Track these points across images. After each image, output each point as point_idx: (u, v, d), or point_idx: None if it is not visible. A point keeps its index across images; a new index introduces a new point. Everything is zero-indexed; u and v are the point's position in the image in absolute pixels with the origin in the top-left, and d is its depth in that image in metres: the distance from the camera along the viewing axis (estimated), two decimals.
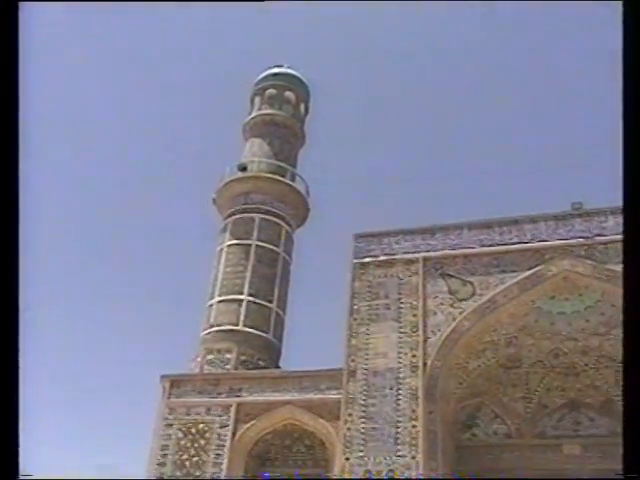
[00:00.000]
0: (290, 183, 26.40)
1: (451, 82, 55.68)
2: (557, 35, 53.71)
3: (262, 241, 24.70)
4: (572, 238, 19.33)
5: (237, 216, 25.38)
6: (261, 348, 22.88)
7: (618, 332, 20.06)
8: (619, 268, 18.47)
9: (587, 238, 19.18)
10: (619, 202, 20.21)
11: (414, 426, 17.42)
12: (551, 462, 21.31)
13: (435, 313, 19.14)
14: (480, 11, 44.65)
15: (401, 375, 18.29)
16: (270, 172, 26.24)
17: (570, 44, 52.72)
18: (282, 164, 26.85)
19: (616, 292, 18.71)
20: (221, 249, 24.97)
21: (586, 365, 21.40)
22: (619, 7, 6.74)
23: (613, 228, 19.18)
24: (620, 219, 19.21)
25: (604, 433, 21.57)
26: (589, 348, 20.88)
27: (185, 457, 19.19)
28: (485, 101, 56.09)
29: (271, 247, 24.79)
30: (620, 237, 18.80)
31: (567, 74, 54.12)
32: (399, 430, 17.48)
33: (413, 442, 17.23)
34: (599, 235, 19.14)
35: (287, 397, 19.62)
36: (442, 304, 19.23)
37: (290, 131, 28.26)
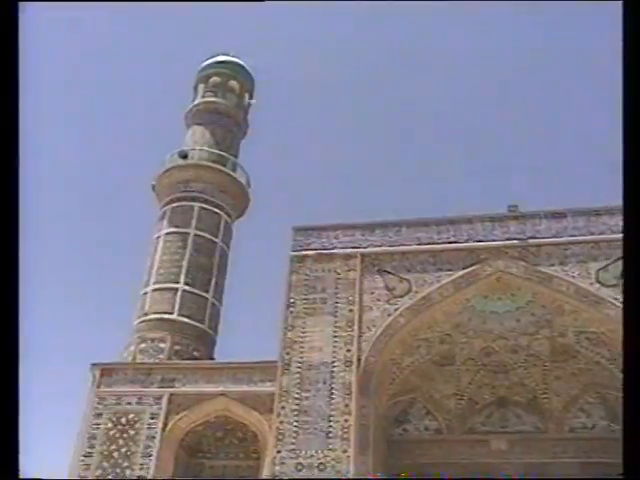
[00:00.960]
0: (231, 173, 26.13)
1: (398, 77, 56.04)
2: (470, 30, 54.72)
3: (200, 230, 24.40)
4: (507, 240, 19.76)
5: (176, 204, 25.00)
6: (196, 338, 22.63)
7: (546, 332, 20.68)
8: (550, 270, 19.02)
9: (521, 240, 19.63)
10: (553, 206, 20.81)
11: (346, 420, 17.54)
12: (479, 457, 21.87)
13: (371, 309, 19.28)
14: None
15: (335, 369, 18.38)
16: (211, 161, 25.91)
17: (497, 45, 53.86)
18: (224, 153, 26.55)
19: (546, 293, 19.29)
20: (158, 237, 24.55)
21: (515, 364, 21.98)
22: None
23: (546, 231, 19.71)
24: (552, 222, 19.78)
25: (530, 429, 22.26)
26: (519, 347, 21.43)
27: (113, 448, 18.82)
28: (428, 100, 56.75)
29: (209, 237, 24.51)
30: (552, 240, 19.38)
31: (504, 75, 55.26)
32: (332, 424, 17.57)
33: (345, 436, 17.34)
34: (533, 237, 19.61)
35: (221, 388, 19.48)
36: (378, 300, 19.39)
37: (233, 120, 27.96)
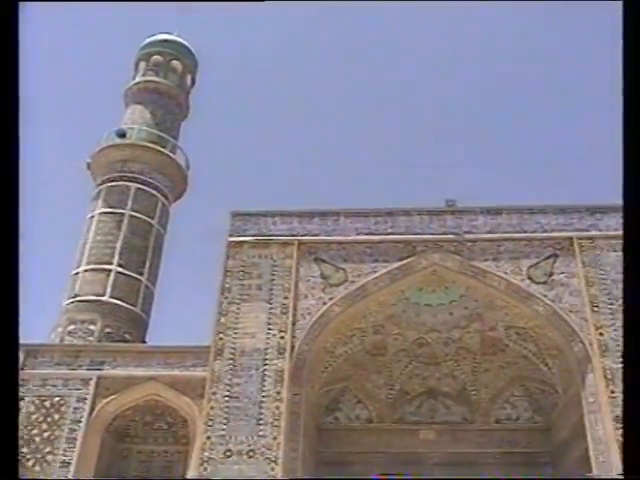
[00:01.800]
0: (170, 155, 25.63)
1: (339, 65, 56.07)
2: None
3: (136, 211, 23.90)
4: (443, 233, 20.03)
5: (112, 184, 24.41)
6: (127, 321, 22.19)
7: (477, 326, 21.11)
8: (484, 265, 19.39)
9: (457, 234, 19.93)
10: (490, 202, 21.17)
11: (277, 407, 17.50)
12: (408, 446, 22.28)
13: (306, 297, 19.27)
14: None
15: (268, 356, 18.31)
16: (150, 141, 25.35)
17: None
18: (163, 134, 26.03)
19: (479, 288, 19.67)
20: (92, 216, 23.93)
21: (446, 356, 22.38)
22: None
23: (482, 227, 20.07)
24: (488, 218, 20.16)
25: (457, 420, 22.78)
26: (451, 340, 21.82)
27: (35, 432, 18.21)
28: (371, 90, 57.04)
29: (145, 218, 24.03)
30: (487, 236, 19.76)
31: (446, 70, 56.00)
32: (262, 411, 17.50)
33: (276, 423, 17.30)
34: (468, 232, 19.94)
35: (151, 372, 19.13)
36: (314, 288, 19.39)
37: (174, 101, 27.42)
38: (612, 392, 17.05)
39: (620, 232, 19.38)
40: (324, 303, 19.14)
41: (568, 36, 53.93)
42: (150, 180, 24.65)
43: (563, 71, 54.15)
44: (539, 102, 55.03)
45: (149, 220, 24.09)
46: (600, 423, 17.00)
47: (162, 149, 25.34)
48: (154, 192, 24.67)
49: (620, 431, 16.32)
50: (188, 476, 17.51)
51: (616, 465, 16.03)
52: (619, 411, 16.67)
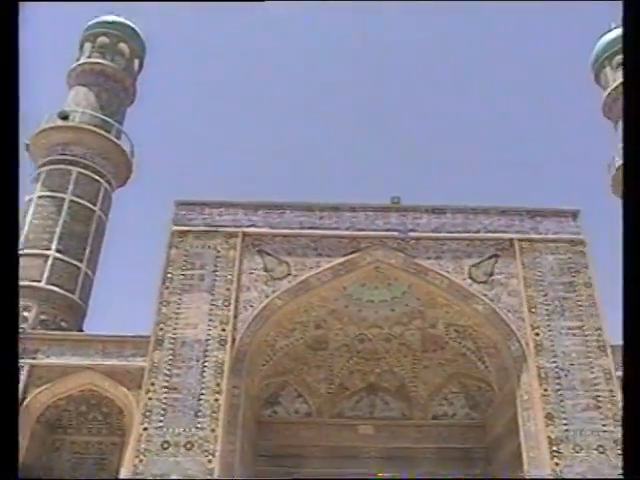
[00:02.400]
0: (115, 140, 25.03)
1: (288, 60, 55.91)
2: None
3: (78, 196, 23.27)
4: (387, 230, 20.17)
5: (52, 167, 23.70)
6: (64, 308, 21.62)
7: (418, 323, 21.37)
8: (426, 263, 19.61)
9: (401, 232, 20.08)
10: (435, 201, 21.36)
11: (217, 400, 17.36)
12: (346, 440, 22.48)
13: (249, 289, 19.16)
14: None
15: (209, 348, 18.14)
16: (94, 125, 24.69)
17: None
18: (108, 119, 25.39)
19: (421, 285, 19.89)
20: (30, 200, 23.20)
21: (387, 352, 22.60)
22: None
23: (426, 225, 20.28)
24: (432, 217, 20.39)
25: (396, 416, 23.06)
26: (392, 336, 22.03)
27: None
28: (319, 85, 57.01)
29: (87, 204, 23.43)
30: (431, 234, 19.97)
31: (394, 66, 56.43)
32: (202, 403, 17.34)
33: (214, 415, 17.17)
34: (412, 230, 20.12)
35: (88, 362, 18.71)
36: (257, 281, 19.29)
37: (120, 85, 26.75)
38: (545, 390, 17.52)
39: (558, 236, 19.95)
40: (266, 296, 19.06)
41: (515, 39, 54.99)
42: (93, 165, 24.03)
43: (517, 73, 55.15)
44: (490, 104, 55.97)
45: (91, 206, 23.51)
46: (532, 420, 17.46)
47: (106, 133, 24.72)
48: (97, 177, 24.07)
49: (550, 427, 16.90)
50: (123, 468, 17.22)
51: (545, 460, 16.53)
52: (550, 408, 17.21)
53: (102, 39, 27.00)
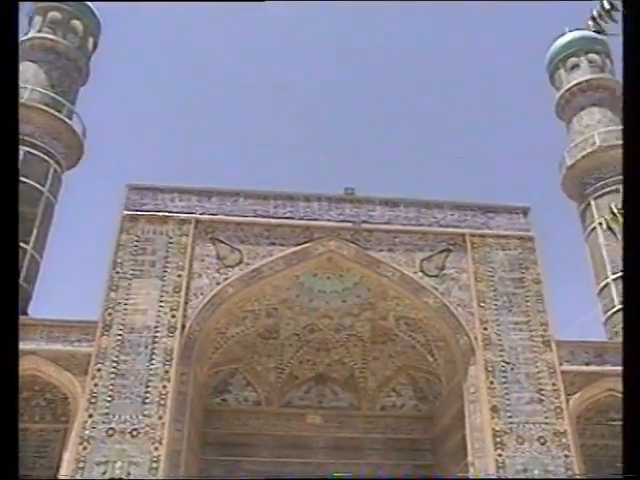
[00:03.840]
0: (66, 120, 24.34)
1: (245, 51, 55.44)
2: None
3: (25, 177, 22.48)
4: (341, 221, 20.20)
5: None
6: None
7: (369, 314, 21.51)
8: (379, 255, 19.72)
9: (354, 223, 20.14)
10: (387, 193, 21.45)
11: (165, 387, 17.19)
12: (294, 429, 22.51)
13: (200, 276, 19.00)
14: None
15: (158, 334, 17.93)
16: (44, 104, 23.93)
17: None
18: (59, 98, 24.65)
19: (373, 277, 20.00)
20: None
21: (337, 342, 22.69)
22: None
23: (379, 217, 20.39)
24: (386, 209, 20.50)
25: (344, 406, 23.18)
26: (342, 327, 22.12)
27: None
28: (274, 72, 56.68)
29: (35, 184, 22.73)
30: (384, 227, 20.08)
31: (355, 58, 56.48)
32: (149, 389, 17.15)
33: (162, 402, 17.00)
34: (366, 222, 20.21)
35: (32, 346, 18.24)
36: (208, 268, 19.14)
37: (73, 64, 25.92)
38: (491, 383, 17.86)
39: (509, 232, 20.30)
40: (218, 283, 18.93)
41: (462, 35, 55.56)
42: (42, 145, 23.33)
43: (475, 72, 55.75)
44: (447, 100, 56.47)
45: (39, 187, 22.85)
46: (478, 412, 17.78)
47: (57, 113, 23.99)
48: (46, 158, 23.39)
49: (495, 420, 17.27)
50: (65, 456, 16.90)
51: (489, 451, 16.88)
52: (496, 401, 17.56)
53: (54, 14, 25.99)
